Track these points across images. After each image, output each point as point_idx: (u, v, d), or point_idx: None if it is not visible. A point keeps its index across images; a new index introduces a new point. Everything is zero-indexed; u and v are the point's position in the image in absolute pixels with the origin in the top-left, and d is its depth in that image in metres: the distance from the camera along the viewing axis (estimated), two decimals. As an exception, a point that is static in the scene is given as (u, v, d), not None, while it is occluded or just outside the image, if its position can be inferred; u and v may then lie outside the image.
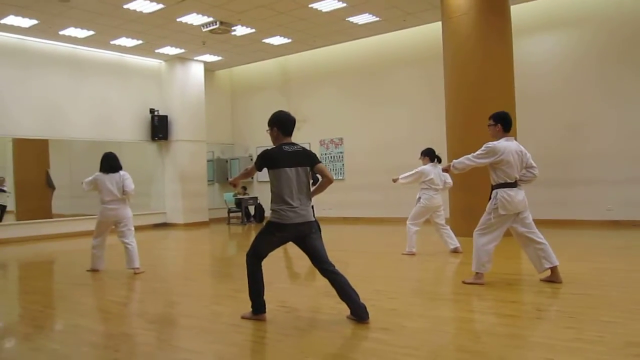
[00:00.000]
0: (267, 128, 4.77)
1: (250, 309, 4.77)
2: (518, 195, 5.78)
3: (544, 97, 11.76)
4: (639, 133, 10.78)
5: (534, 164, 6.04)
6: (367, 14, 12.22)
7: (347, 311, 4.56)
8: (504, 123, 5.88)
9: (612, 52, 11.11)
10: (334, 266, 4.63)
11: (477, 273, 5.87)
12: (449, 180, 8.27)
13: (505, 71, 10.14)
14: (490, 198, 5.85)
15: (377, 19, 12.53)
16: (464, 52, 10.13)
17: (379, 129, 14.43)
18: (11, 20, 11.64)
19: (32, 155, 13.98)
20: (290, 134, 4.76)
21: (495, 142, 5.75)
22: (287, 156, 4.63)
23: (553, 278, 5.78)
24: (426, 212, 8.18)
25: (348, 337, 4.10)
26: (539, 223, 11.20)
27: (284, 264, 8.60)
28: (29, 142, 13.40)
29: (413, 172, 8.18)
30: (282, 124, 4.73)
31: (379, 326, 4.37)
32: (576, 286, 5.60)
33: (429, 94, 13.14)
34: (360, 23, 12.82)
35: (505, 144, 5.75)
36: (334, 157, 15.54)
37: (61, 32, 12.72)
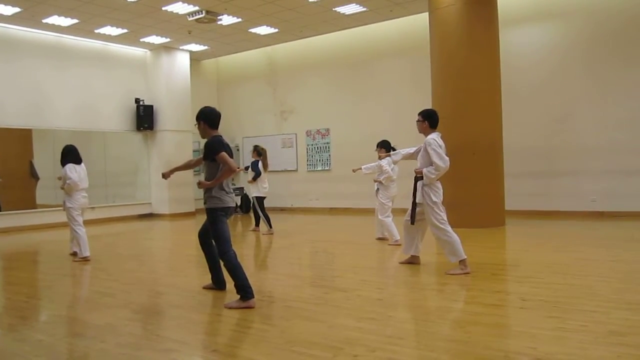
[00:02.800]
0: (195, 122, 5.19)
1: (238, 297, 4.84)
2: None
3: (530, 89, 11.82)
4: (623, 125, 10.88)
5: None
6: (354, 4, 12.17)
7: (334, 301, 4.57)
8: (430, 120, 6.22)
9: (599, 44, 11.16)
10: None
11: (461, 261, 5.95)
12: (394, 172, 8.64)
13: (492, 62, 10.18)
14: (418, 189, 6.18)
15: (364, 9, 12.49)
16: (450, 43, 10.14)
17: (366, 119, 14.43)
18: (-7, 7, 11.46)
19: (16, 145, 13.80)
20: (217, 127, 5.18)
21: (435, 137, 6.08)
22: (228, 147, 5.10)
23: (413, 260, 6.57)
24: (389, 201, 8.57)
25: (334, 327, 4.12)
26: (525, 214, 11.45)
27: (268, 255, 8.61)
28: (12, 132, 13.22)
29: (375, 164, 8.76)
30: (208, 118, 5.12)
31: (366, 316, 4.39)
32: (560, 276, 5.67)
33: (415, 84, 13.15)
34: (347, 13, 12.78)
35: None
36: (320, 147, 15.53)
37: (44, 20, 12.54)
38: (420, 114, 6.28)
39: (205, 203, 5.06)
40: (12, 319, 4.94)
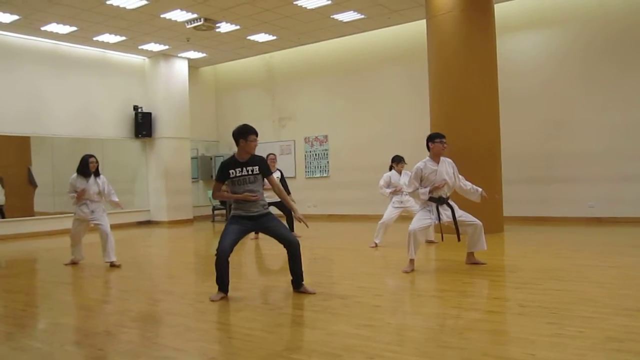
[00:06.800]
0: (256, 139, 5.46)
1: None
2: None
3: (528, 95, 11.86)
4: (620, 131, 10.92)
5: None
6: (351, 12, 12.22)
7: (333, 308, 4.56)
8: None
9: (596, 51, 11.22)
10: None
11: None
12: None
13: (489, 69, 10.21)
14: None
15: (362, 16, 12.54)
16: (448, 50, 10.18)
17: (364, 126, 14.46)
18: (-9, 15, 11.49)
19: (14, 152, 13.80)
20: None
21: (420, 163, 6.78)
22: None
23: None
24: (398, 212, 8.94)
25: (332, 334, 4.11)
26: (523, 220, 11.45)
27: (266, 262, 8.60)
28: (10, 139, 13.22)
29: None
30: None
31: (364, 323, 4.39)
32: (558, 282, 5.67)
33: (413, 91, 13.19)
34: (345, 20, 12.83)
35: None
36: (318, 154, 15.54)
37: (43, 28, 12.57)
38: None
39: (265, 207, 5.53)
40: (10, 327, 4.92)
